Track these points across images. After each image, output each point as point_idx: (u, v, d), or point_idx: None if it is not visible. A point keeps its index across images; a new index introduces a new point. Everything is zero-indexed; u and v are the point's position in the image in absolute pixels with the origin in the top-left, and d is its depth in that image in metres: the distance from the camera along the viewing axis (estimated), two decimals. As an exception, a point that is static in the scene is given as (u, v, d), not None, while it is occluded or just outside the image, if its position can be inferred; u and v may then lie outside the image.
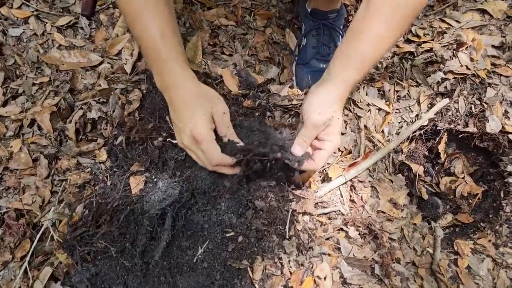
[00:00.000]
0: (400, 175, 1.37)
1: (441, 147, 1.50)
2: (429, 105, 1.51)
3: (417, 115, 1.51)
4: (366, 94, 1.48)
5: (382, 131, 1.45)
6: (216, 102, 1.03)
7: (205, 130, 0.99)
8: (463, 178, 1.54)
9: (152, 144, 1.33)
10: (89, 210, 1.27)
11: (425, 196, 1.54)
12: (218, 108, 1.03)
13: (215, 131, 1.03)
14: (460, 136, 1.51)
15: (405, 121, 1.51)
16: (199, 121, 0.98)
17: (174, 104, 1.04)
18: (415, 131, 1.50)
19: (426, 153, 1.58)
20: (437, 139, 1.51)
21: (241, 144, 1.05)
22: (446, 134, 1.51)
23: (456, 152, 1.59)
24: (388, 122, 1.46)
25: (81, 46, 1.48)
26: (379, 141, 1.41)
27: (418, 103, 1.51)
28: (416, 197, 1.48)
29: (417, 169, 1.51)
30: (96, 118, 1.35)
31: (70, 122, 1.36)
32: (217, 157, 1.01)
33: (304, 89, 1.50)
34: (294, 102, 1.41)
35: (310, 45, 1.58)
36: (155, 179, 1.27)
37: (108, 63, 1.45)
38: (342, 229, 1.23)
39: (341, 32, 1.58)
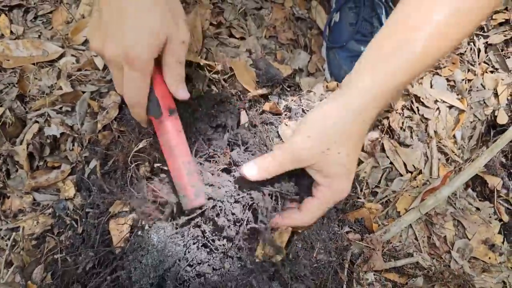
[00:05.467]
0: (487, 202, 0.98)
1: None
2: (510, 97, 1.13)
3: (493, 112, 1.12)
4: (431, 86, 1.08)
5: (454, 136, 1.06)
6: (179, 22, 0.69)
7: (147, 56, 0.65)
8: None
9: (139, 171, 0.92)
10: (53, 274, 0.89)
11: (505, 218, 1.16)
12: (178, 33, 0.68)
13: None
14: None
15: (479, 119, 1.13)
16: (146, 40, 0.64)
17: None
18: (495, 134, 1.10)
19: (503, 160, 1.19)
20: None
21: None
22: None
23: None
24: (461, 124, 1.06)
25: (33, 33, 1.11)
26: (453, 152, 1.02)
27: (495, 95, 1.14)
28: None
29: (495, 182, 1.12)
30: (58, 136, 0.99)
31: (21, 143, 1.00)
32: (139, 101, 0.71)
33: (344, 81, 1.09)
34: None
35: (347, 21, 1.19)
36: (146, 227, 0.87)
37: (72, 55, 1.10)
38: (426, 292, 0.85)
39: (386, 3, 1.18)
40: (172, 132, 0.74)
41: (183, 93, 0.73)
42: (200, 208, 0.76)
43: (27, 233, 0.92)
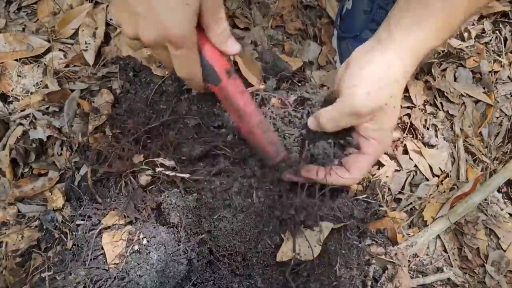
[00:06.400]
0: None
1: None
2: (540, 90, 1.03)
3: (521, 106, 1.03)
4: (455, 80, 0.98)
5: (480, 134, 0.96)
6: None
7: (188, 30, 0.59)
8: None
9: (135, 179, 0.83)
10: (40, 296, 0.80)
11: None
12: None
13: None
14: None
15: (505, 115, 1.03)
16: (181, 14, 0.57)
17: None
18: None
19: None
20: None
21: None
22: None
23: None
24: (488, 120, 0.97)
25: (16, 26, 1.02)
26: (480, 151, 0.92)
27: (523, 87, 1.03)
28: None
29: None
30: (45, 139, 0.92)
31: (3, 148, 0.92)
32: (194, 74, 0.66)
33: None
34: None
35: (360, 8, 1.09)
36: (144, 242, 0.78)
37: (60, 50, 1.02)
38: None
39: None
40: (236, 94, 0.69)
41: (233, 47, 0.66)
42: (284, 160, 0.75)
43: (10, 249, 0.84)
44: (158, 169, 0.78)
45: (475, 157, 0.94)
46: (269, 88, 0.90)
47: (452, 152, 0.92)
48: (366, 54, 0.70)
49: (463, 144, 0.93)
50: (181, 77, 0.67)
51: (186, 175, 0.76)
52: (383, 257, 0.77)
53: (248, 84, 0.95)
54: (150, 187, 0.83)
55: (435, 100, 0.96)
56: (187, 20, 0.58)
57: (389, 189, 0.86)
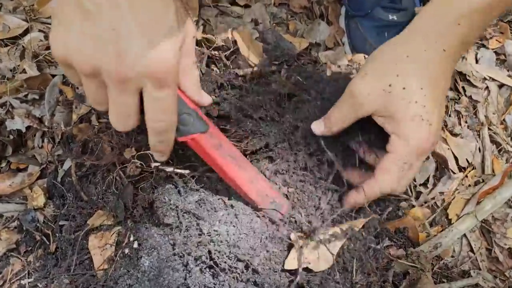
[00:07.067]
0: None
1: None
2: None
3: (547, 90, 0.96)
4: (477, 62, 0.91)
5: (504, 121, 0.89)
6: (185, 15, 0.57)
7: (176, 67, 0.51)
8: None
9: (124, 174, 0.77)
10: (19, 306, 0.76)
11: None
12: (189, 27, 0.57)
13: None
14: None
15: (530, 99, 0.95)
16: (170, 48, 0.49)
17: None
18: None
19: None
20: None
21: None
22: None
23: None
24: (513, 106, 0.89)
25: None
26: (504, 140, 0.84)
27: (548, 70, 0.97)
28: None
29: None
30: (23, 130, 0.88)
31: None
32: (173, 123, 0.55)
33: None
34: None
35: (371, -16, 1.05)
36: (135, 245, 0.71)
37: (39, 31, 0.97)
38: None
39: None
40: (228, 142, 0.64)
41: (207, 98, 0.62)
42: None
43: (-14, 253, 0.79)
44: (154, 164, 0.69)
45: (500, 147, 0.87)
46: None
47: (477, 143, 0.84)
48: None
49: (491, 135, 0.86)
50: (158, 128, 0.55)
51: (186, 171, 0.67)
52: (403, 260, 0.70)
53: (249, 67, 0.88)
54: (142, 183, 0.75)
55: (456, 84, 0.89)
56: (176, 54, 0.49)
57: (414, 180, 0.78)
